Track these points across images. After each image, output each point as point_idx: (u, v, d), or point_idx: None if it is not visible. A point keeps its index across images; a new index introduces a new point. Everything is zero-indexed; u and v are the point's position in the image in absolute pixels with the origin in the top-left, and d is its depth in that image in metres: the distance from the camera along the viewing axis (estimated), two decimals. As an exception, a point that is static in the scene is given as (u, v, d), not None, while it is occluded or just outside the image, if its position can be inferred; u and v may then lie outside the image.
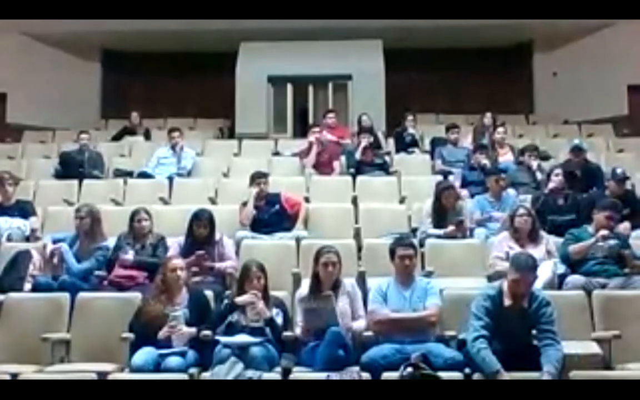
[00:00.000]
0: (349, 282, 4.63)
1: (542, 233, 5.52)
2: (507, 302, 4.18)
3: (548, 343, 4.04)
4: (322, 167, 7.92)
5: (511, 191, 6.62)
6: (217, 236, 5.49)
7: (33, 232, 6.35)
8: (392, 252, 4.61)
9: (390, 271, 4.65)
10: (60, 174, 8.08)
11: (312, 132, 8.31)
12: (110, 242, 5.59)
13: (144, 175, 7.90)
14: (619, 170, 6.43)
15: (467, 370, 4.04)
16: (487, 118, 8.98)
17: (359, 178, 7.48)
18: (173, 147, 8.16)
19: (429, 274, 5.11)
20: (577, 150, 7.27)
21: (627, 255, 5.12)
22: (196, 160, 8.34)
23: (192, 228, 5.44)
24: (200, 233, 5.41)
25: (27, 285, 5.26)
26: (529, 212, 5.48)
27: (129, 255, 5.33)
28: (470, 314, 4.16)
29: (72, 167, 7.97)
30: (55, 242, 5.75)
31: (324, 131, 8.37)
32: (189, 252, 5.24)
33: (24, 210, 6.50)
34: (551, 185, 6.42)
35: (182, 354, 4.24)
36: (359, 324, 4.49)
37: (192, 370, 4.16)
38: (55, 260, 5.41)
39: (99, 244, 5.53)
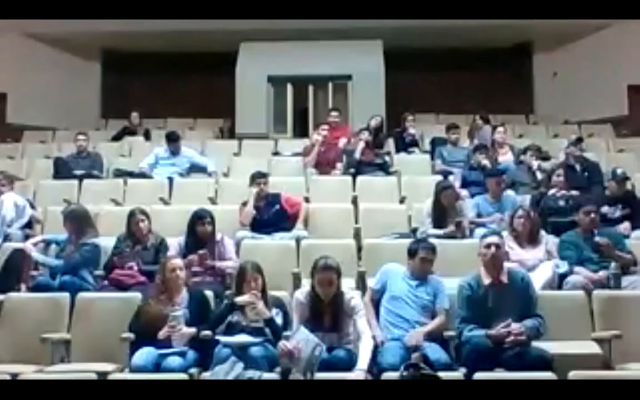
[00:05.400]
0: (350, 296, 4.35)
1: (542, 233, 5.53)
2: (486, 281, 4.35)
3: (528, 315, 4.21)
4: (324, 166, 7.89)
5: (510, 192, 6.62)
6: (218, 236, 5.49)
7: (36, 221, 6.45)
8: (414, 252, 4.63)
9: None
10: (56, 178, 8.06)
11: (317, 131, 8.27)
12: (109, 242, 5.58)
13: (141, 175, 7.83)
14: (619, 171, 6.43)
15: (466, 370, 4.04)
16: (477, 121, 9.01)
17: (359, 178, 7.48)
18: (172, 152, 8.10)
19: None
20: (576, 142, 7.25)
21: (617, 252, 5.16)
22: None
23: (194, 227, 5.45)
24: (205, 231, 5.42)
25: (22, 285, 5.26)
26: (527, 214, 5.49)
27: (134, 265, 5.31)
28: (456, 308, 4.34)
29: (64, 172, 7.93)
30: (48, 243, 5.79)
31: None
32: (191, 252, 5.25)
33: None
34: (553, 184, 6.43)
35: (182, 354, 4.23)
36: (365, 350, 4.15)
37: (192, 370, 4.16)
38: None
39: (86, 240, 5.45)
